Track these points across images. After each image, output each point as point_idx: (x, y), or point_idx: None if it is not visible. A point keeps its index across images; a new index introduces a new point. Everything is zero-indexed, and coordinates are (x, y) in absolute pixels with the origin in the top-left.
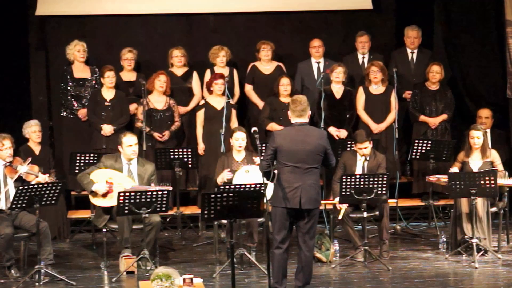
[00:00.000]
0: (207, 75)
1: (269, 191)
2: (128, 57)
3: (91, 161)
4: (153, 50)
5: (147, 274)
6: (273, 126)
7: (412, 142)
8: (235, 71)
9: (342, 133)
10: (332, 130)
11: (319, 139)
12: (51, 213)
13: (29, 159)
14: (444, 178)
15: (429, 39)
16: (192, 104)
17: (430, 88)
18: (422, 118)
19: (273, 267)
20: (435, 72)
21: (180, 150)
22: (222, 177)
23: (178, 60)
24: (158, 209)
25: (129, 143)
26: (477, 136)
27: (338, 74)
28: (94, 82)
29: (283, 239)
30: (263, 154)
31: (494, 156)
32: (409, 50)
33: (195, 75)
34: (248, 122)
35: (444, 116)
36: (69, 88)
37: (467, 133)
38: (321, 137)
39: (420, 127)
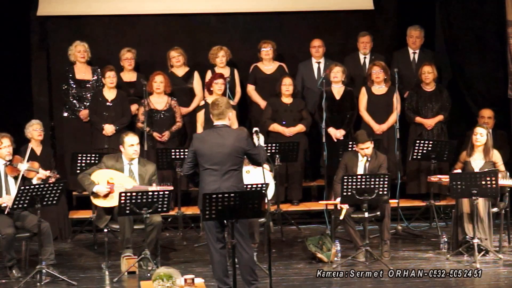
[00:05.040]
0: (208, 75)
1: (270, 191)
2: (127, 56)
3: (92, 161)
4: (153, 50)
5: (149, 274)
6: (275, 127)
7: (413, 142)
8: (236, 71)
9: (339, 133)
10: (332, 130)
11: (236, 141)
12: (53, 213)
13: (28, 149)
14: (445, 179)
15: (431, 40)
16: (193, 105)
17: (425, 89)
18: (418, 119)
19: (216, 268)
20: (427, 73)
21: (182, 150)
22: None
23: (176, 61)
24: (159, 209)
25: (131, 142)
26: (480, 133)
27: (336, 74)
28: (95, 83)
29: (220, 239)
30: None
31: (497, 157)
32: (411, 51)
33: (196, 75)
34: (249, 123)
35: (439, 117)
36: (70, 89)
37: (470, 132)
38: (239, 139)
39: (416, 128)
